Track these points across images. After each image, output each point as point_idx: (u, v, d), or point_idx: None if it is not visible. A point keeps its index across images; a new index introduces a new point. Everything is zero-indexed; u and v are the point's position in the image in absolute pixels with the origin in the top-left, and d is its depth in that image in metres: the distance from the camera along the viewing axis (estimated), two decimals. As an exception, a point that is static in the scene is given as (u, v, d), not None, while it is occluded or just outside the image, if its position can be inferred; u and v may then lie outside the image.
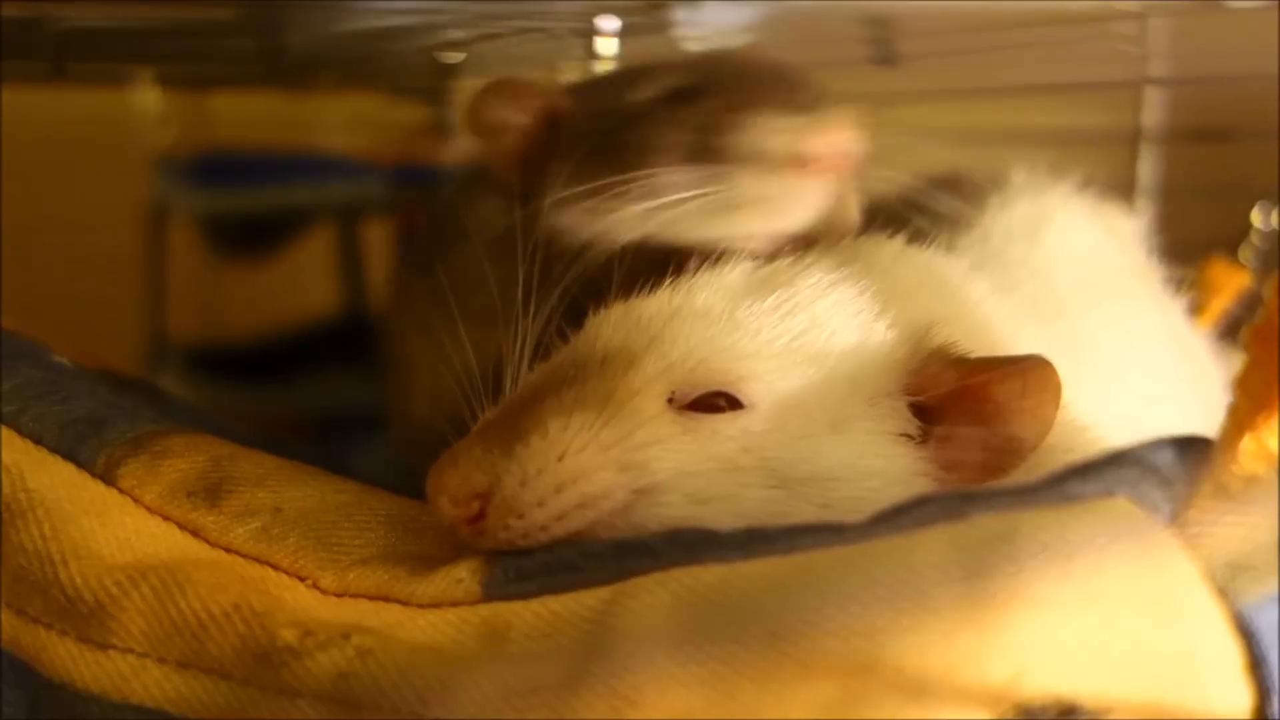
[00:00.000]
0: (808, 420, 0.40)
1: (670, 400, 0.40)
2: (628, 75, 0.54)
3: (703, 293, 0.43)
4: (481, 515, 0.38)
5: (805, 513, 0.38)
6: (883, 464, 0.40)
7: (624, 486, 0.38)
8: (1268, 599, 0.31)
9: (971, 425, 0.40)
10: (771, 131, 0.47)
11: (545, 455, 0.38)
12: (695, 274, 0.44)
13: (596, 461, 0.38)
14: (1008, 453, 0.40)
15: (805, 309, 0.42)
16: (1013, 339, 0.45)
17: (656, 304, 0.43)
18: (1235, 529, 0.32)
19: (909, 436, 0.41)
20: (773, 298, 0.43)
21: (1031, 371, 0.39)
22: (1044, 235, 0.52)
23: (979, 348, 0.42)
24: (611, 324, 0.43)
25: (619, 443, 0.39)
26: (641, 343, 0.41)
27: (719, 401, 0.40)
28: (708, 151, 0.48)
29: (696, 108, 0.49)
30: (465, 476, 0.38)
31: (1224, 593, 0.31)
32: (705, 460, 0.39)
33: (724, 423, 0.39)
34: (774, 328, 0.42)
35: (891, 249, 0.48)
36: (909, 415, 0.41)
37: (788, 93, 0.49)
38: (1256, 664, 0.31)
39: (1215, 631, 0.31)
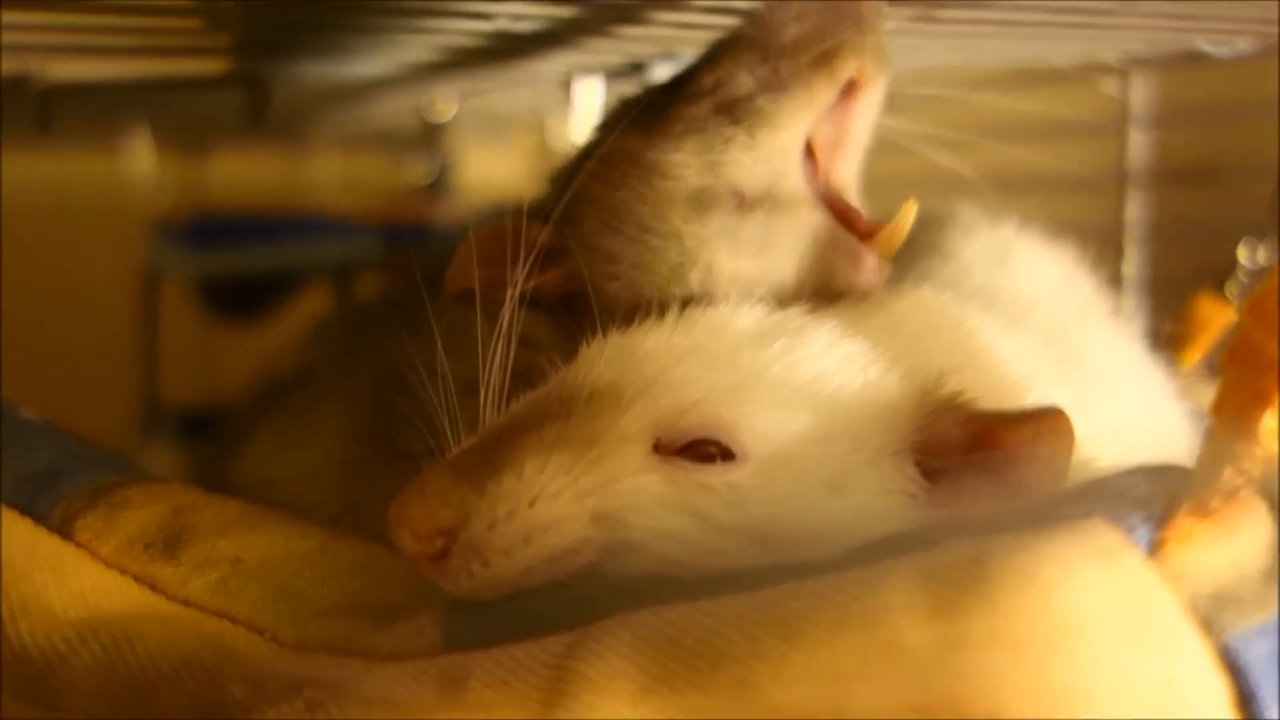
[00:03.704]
0: (803, 478, 0.37)
1: (657, 445, 0.37)
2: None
3: (704, 332, 0.41)
4: (445, 553, 0.36)
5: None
6: (881, 527, 0.37)
7: (595, 543, 0.36)
8: (1256, 631, 0.30)
9: (980, 475, 0.38)
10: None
11: (517, 497, 0.36)
12: (698, 310, 0.42)
13: (571, 511, 0.36)
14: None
15: (812, 360, 0.39)
16: (1031, 383, 0.42)
17: (654, 340, 0.40)
18: (1219, 559, 0.31)
19: (911, 494, 0.38)
20: (778, 344, 0.40)
21: (1043, 419, 0.37)
22: (1013, 265, 0.51)
23: (992, 395, 0.39)
24: (604, 358, 0.40)
25: (596, 491, 0.36)
26: (633, 382, 0.38)
27: (709, 449, 0.37)
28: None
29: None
30: (431, 511, 0.36)
31: (1208, 625, 0.30)
32: (686, 518, 0.36)
33: (711, 475, 0.37)
34: (776, 376, 0.39)
35: (907, 297, 0.46)
36: (914, 473, 0.38)
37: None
38: (1246, 700, 0.29)
39: (1200, 665, 0.29)
